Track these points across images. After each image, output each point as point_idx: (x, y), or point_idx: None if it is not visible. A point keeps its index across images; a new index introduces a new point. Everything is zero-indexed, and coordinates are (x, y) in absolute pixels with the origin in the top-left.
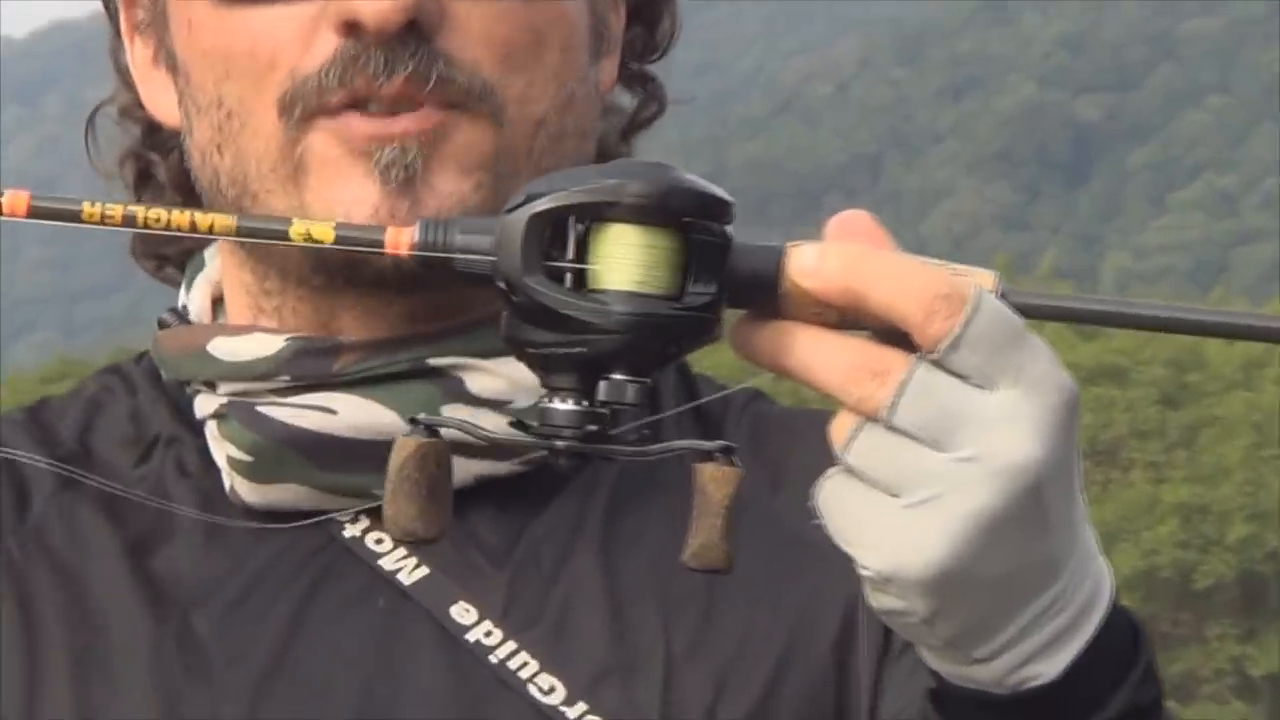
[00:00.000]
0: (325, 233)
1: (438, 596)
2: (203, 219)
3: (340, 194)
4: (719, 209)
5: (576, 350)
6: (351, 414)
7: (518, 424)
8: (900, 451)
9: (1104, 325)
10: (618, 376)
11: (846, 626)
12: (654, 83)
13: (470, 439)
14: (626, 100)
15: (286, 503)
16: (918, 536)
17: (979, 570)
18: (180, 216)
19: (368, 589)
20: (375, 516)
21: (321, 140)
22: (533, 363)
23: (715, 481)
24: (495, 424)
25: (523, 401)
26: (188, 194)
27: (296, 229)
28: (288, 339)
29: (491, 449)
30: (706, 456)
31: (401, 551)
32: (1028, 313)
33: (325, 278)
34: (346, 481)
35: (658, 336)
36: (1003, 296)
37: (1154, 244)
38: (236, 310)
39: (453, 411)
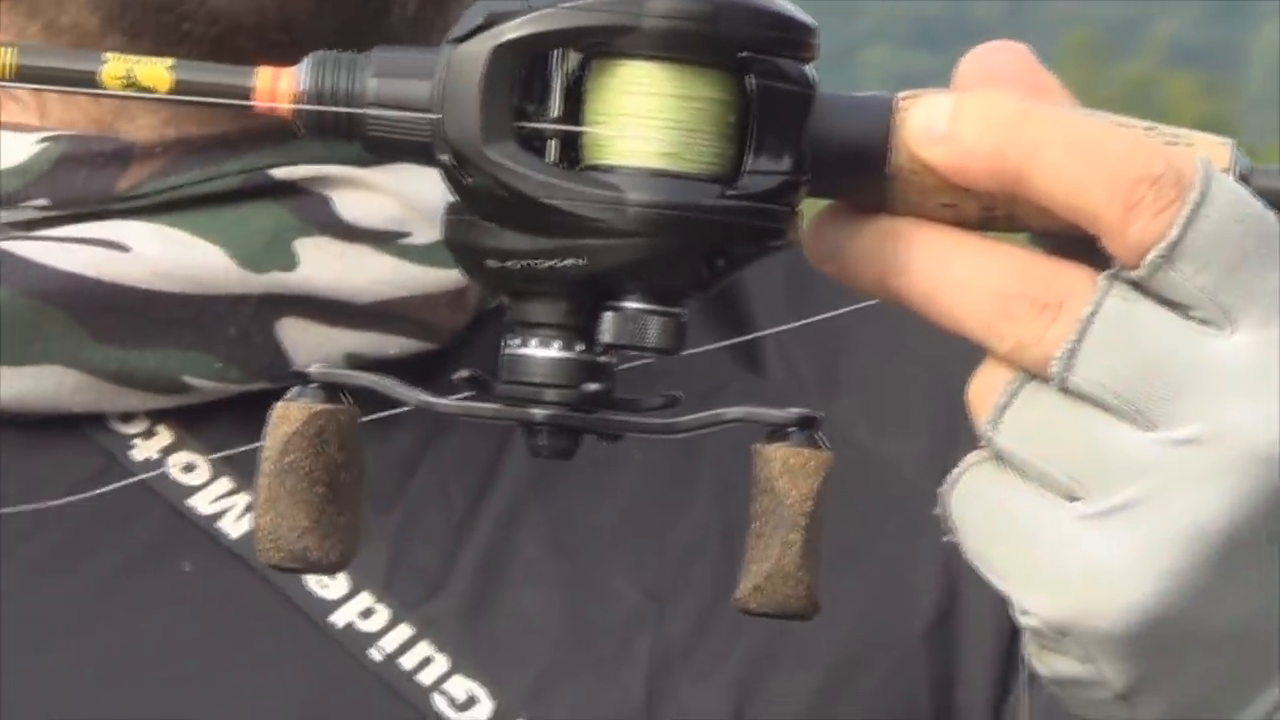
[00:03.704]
0: (156, 75)
1: None
2: None
3: None
4: (796, 38)
5: (568, 264)
6: (153, 251)
7: (472, 380)
8: (1082, 428)
9: None
10: (632, 304)
11: (947, 601)
12: None
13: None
14: None
15: (42, 398)
16: (1112, 563)
17: (1208, 617)
18: None
19: (166, 545)
20: (184, 425)
21: None
22: (496, 283)
23: (791, 474)
24: (381, 269)
25: (422, 234)
26: None
27: (111, 69)
28: (46, 138)
29: (370, 312)
30: (776, 433)
31: (225, 484)
32: None
33: (127, 30)
34: (141, 364)
35: (697, 241)
36: (1244, 179)
37: None
38: None
39: (317, 247)
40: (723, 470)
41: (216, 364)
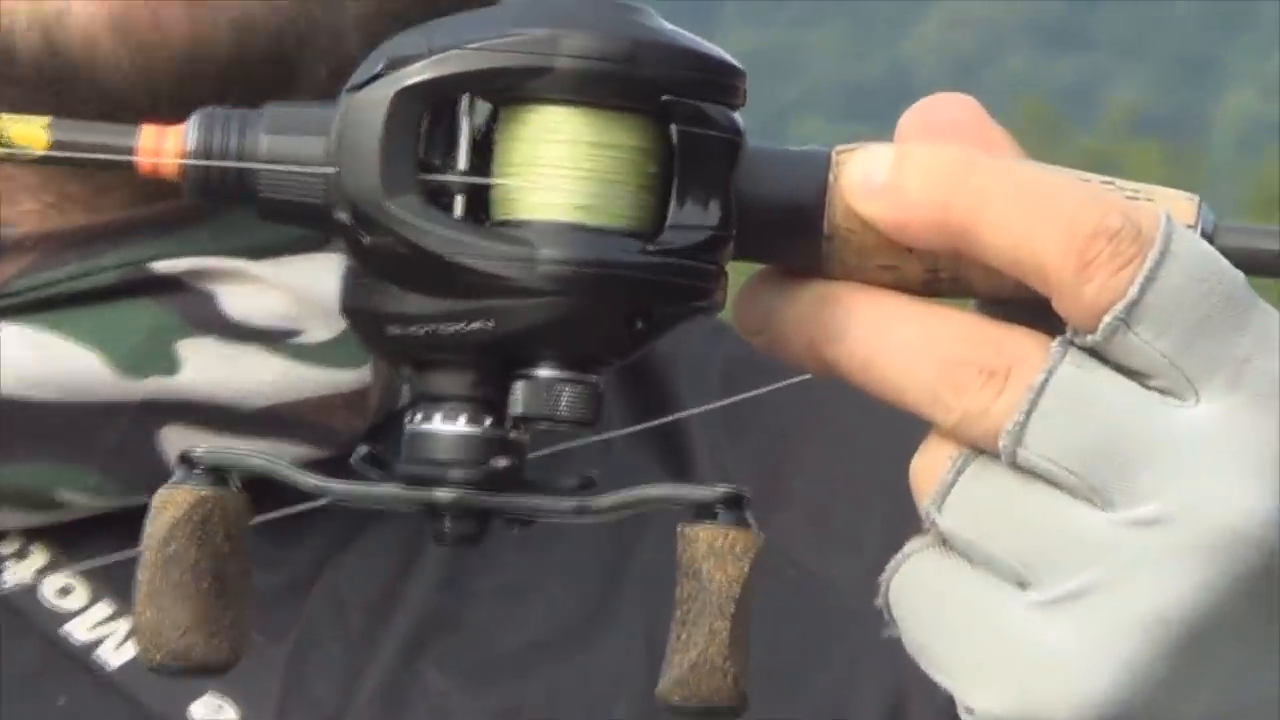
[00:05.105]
0: (31, 134)
1: (167, 686)
2: None
3: None
4: (723, 81)
5: (476, 327)
6: (21, 357)
7: (368, 459)
8: (1033, 507)
9: None
10: (545, 373)
11: None
12: None
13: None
14: None
15: None
16: (1066, 654)
17: (1174, 710)
18: None
19: (39, 677)
20: (61, 544)
21: None
22: (398, 351)
23: (718, 556)
24: (271, 372)
25: (315, 332)
26: None
27: None
28: None
29: (260, 418)
30: (703, 512)
31: (104, 608)
32: (1253, 264)
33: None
34: (11, 478)
35: (615, 300)
36: (1208, 236)
37: None
38: None
39: (200, 349)
40: (649, 595)
41: (92, 478)
